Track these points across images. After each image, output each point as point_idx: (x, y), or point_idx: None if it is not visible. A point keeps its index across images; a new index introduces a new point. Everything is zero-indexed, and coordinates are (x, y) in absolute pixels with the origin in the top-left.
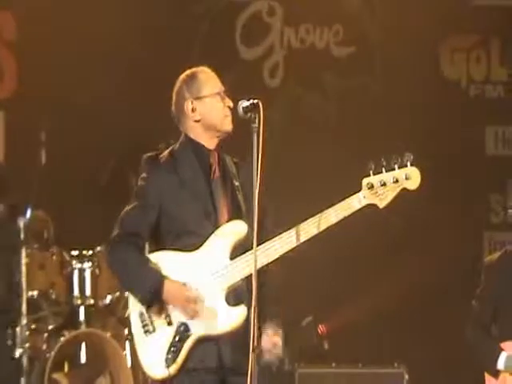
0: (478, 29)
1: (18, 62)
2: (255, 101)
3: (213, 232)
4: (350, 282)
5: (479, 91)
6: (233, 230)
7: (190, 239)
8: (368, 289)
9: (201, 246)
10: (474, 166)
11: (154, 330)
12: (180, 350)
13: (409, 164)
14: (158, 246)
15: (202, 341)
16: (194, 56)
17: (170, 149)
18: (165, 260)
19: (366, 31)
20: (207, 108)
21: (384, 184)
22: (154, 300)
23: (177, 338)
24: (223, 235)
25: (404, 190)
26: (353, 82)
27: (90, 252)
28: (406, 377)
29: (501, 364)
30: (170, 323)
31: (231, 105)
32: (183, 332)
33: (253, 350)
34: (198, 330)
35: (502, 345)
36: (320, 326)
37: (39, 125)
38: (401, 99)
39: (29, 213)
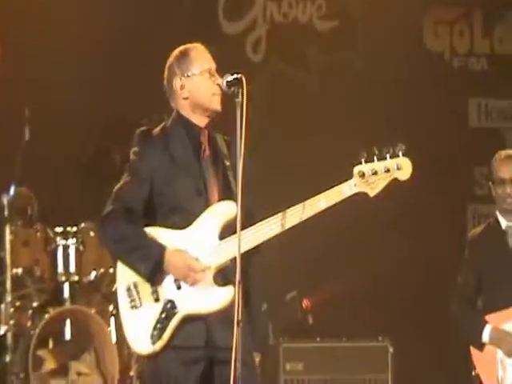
0: (460, 1)
1: (1, 40)
2: (239, 75)
3: (203, 210)
4: (334, 257)
5: (462, 64)
6: (223, 210)
7: (180, 216)
8: (352, 263)
9: (191, 224)
10: (457, 138)
11: (140, 306)
12: (166, 327)
13: (401, 154)
14: (149, 222)
15: (190, 319)
16: (176, 31)
17: (162, 125)
18: (156, 237)
19: (349, 5)
20: (195, 86)
21: (375, 173)
22: (158, 270)
23: (163, 315)
24: (213, 215)
25: (395, 179)
26: (336, 57)
27: (75, 228)
28: (391, 350)
29: (485, 337)
30: (157, 299)
31: (220, 82)
32: (170, 309)
33: (237, 324)
34: (184, 307)
35: (487, 317)
36: (304, 301)
37: (23, 101)
38: (384, 73)
39: (12, 190)
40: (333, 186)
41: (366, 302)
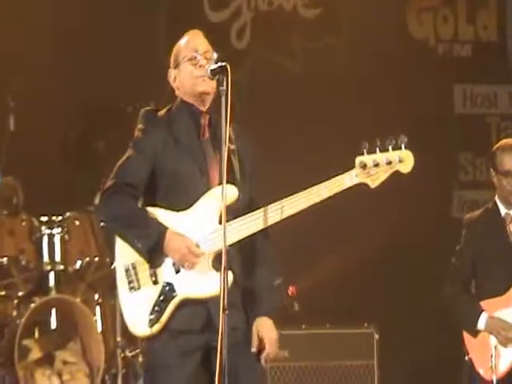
0: None
1: None
2: (223, 63)
3: (204, 191)
4: (319, 244)
5: (447, 50)
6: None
7: (180, 196)
8: (338, 250)
9: (190, 205)
10: (442, 124)
11: (139, 288)
12: (164, 310)
13: (403, 147)
14: (149, 200)
15: (189, 303)
16: (160, 18)
17: (167, 107)
18: (155, 217)
19: None
20: (182, 75)
21: (377, 165)
22: (157, 250)
23: (161, 298)
24: (213, 198)
25: (396, 172)
26: (320, 44)
27: (60, 218)
28: (376, 337)
29: (481, 324)
30: (155, 282)
31: (203, 63)
32: (168, 292)
33: (223, 311)
34: (183, 291)
35: (482, 303)
36: (290, 288)
37: (7, 91)
38: (369, 60)
39: None
40: (330, 177)
41: (351, 288)
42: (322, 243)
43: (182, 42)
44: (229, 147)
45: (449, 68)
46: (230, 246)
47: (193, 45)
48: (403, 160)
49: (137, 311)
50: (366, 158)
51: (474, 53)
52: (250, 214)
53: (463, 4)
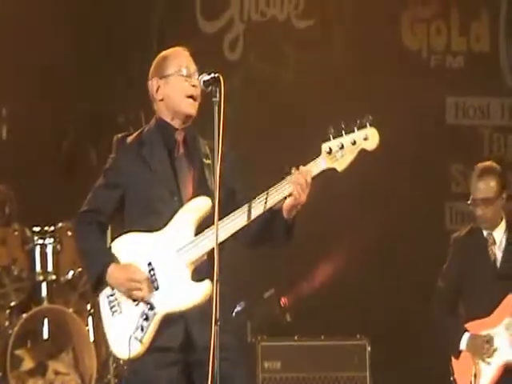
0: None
1: None
2: (216, 75)
3: (177, 207)
4: (311, 255)
5: (440, 62)
6: (197, 206)
7: (155, 218)
8: (330, 261)
9: (166, 222)
10: (434, 135)
11: (121, 311)
12: (147, 330)
13: (368, 125)
14: (125, 226)
15: (169, 319)
16: (153, 28)
17: (139, 130)
18: (129, 242)
19: (326, 3)
20: (170, 87)
21: (342, 147)
22: (100, 284)
23: (143, 317)
24: (188, 211)
25: (363, 151)
26: (313, 55)
27: (52, 228)
28: (369, 349)
29: (463, 344)
30: (136, 303)
31: (196, 83)
32: (149, 311)
33: (215, 323)
34: (163, 307)
35: (467, 325)
36: (282, 299)
37: None
38: (361, 70)
39: None
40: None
41: (343, 300)
42: (314, 255)
43: (171, 54)
44: (203, 161)
45: (441, 79)
46: (207, 255)
47: (184, 62)
48: (368, 137)
49: (120, 334)
50: (331, 143)
51: (467, 64)
52: (227, 218)
53: (456, 16)
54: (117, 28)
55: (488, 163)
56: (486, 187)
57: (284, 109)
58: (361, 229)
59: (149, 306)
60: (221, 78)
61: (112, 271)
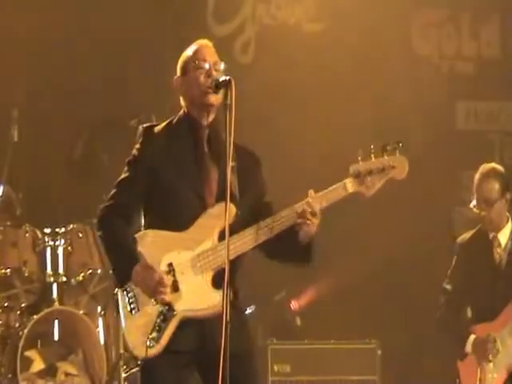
0: (448, 4)
1: None
2: (227, 77)
3: (200, 208)
4: (322, 258)
5: (450, 66)
6: (222, 213)
7: (176, 215)
8: (341, 265)
9: (189, 223)
10: (445, 141)
11: (139, 309)
12: (164, 331)
13: (397, 153)
14: (147, 220)
15: (187, 323)
16: (165, 32)
17: (167, 121)
18: (152, 240)
19: (337, 7)
20: (190, 82)
21: (371, 172)
22: (126, 281)
23: (161, 318)
24: (212, 217)
25: (392, 179)
26: (324, 59)
27: (63, 229)
28: (379, 352)
29: (468, 346)
30: (155, 303)
31: (212, 74)
32: (167, 312)
33: (225, 327)
34: (182, 310)
35: (475, 328)
36: (292, 302)
37: (11, 102)
38: (373, 75)
39: (1, 190)
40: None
41: (354, 303)
42: (325, 258)
43: (191, 50)
44: (227, 163)
45: (452, 84)
46: (231, 262)
47: (202, 55)
48: (397, 166)
49: (138, 333)
50: (360, 166)
51: (478, 69)
52: (249, 229)
53: (467, 20)
54: (129, 32)
55: (491, 165)
56: (488, 188)
57: (296, 113)
58: (372, 235)
59: (167, 308)
60: (232, 80)
61: (139, 271)
